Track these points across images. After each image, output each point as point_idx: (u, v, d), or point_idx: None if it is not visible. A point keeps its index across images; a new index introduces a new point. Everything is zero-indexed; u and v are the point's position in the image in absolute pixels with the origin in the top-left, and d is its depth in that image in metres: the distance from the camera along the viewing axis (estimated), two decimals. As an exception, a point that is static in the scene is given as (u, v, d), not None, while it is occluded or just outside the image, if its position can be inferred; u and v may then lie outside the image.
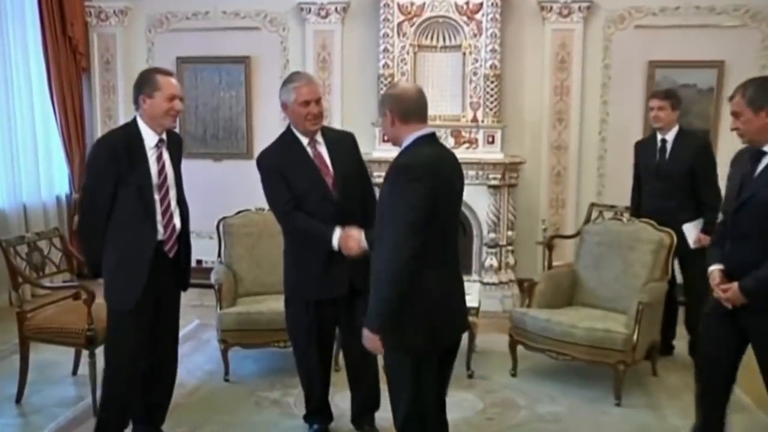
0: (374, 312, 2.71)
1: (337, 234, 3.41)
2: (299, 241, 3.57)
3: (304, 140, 3.58)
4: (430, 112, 6.98)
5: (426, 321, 2.77)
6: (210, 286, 4.83)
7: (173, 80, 3.43)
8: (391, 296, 2.67)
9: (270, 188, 3.58)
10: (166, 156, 3.45)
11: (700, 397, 3.43)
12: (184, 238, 3.60)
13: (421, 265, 2.68)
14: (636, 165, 5.24)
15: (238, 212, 5.19)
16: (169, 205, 3.46)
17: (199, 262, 7.14)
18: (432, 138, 2.90)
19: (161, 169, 3.42)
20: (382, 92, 2.69)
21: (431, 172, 2.73)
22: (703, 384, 3.38)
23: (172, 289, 3.65)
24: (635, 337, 4.29)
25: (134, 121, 3.43)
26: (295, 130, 3.59)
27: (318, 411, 3.89)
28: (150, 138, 3.39)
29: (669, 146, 4.94)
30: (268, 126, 7.10)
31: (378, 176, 6.31)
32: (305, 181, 3.52)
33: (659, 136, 4.99)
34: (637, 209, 5.15)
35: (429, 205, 2.68)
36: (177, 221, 3.52)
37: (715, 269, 3.27)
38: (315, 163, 3.55)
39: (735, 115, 3.19)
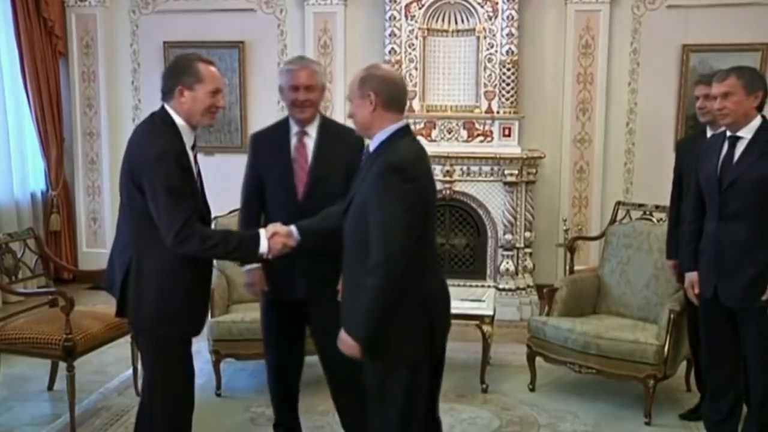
0: (360, 321, 2.67)
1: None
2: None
3: (294, 128, 3.57)
4: (442, 101, 7.05)
5: (426, 328, 2.79)
6: (200, 292, 4.80)
7: (216, 71, 3.19)
8: (381, 306, 2.63)
9: (247, 169, 3.69)
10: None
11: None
12: None
13: (419, 270, 2.69)
14: None
15: (232, 211, 5.16)
16: None
17: (188, 265, 7.16)
18: (408, 130, 2.87)
19: (198, 174, 3.23)
20: (363, 71, 2.68)
21: (420, 170, 2.73)
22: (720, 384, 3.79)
23: None
24: (666, 348, 4.25)
25: (167, 114, 3.12)
26: (291, 116, 3.59)
27: (279, 424, 3.89)
28: (187, 137, 3.11)
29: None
30: (264, 117, 7.05)
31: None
32: (274, 171, 3.54)
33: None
34: None
35: (423, 206, 2.69)
36: None
37: (693, 276, 3.76)
38: (291, 156, 3.53)
39: (725, 95, 3.51)
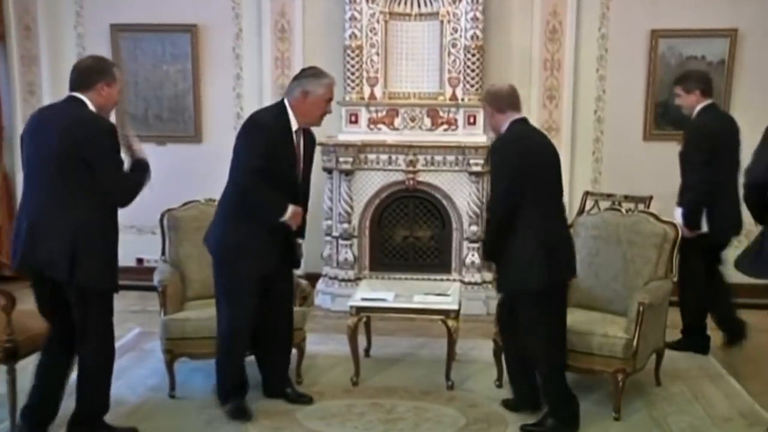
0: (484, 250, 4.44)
1: (290, 209, 4.19)
2: (251, 209, 4.21)
3: (294, 126, 4.24)
4: (405, 88, 7.05)
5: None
6: (153, 289, 4.78)
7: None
8: (494, 240, 4.08)
9: (254, 149, 4.13)
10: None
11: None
12: None
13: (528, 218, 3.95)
14: None
15: (186, 203, 5.14)
16: None
17: (140, 261, 7.11)
18: (519, 121, 4.15)
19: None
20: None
21: (520, 148, 4.02)
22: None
23: None
24: (635, 342, 4.32)
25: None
26: (291, 113, 4.23)
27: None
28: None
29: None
30: (219, 105, 7.06)
31: (344, 162, 6.31)
32: (285, 164, 4.22)
33: None
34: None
35: (527, 170, 3.94)
36: None
37: None
38: (296, 150, 4.28)
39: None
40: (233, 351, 4.40)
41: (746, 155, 3.93)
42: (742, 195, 3.92)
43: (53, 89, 7.12)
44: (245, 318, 4.31)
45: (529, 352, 4.17)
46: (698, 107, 5.26)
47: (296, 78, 4.30)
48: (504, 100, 4.13)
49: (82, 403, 3.95)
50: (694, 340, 5.38)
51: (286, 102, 4.25)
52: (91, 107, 3.77)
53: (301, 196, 4.36)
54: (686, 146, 5.24)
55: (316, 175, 6.59)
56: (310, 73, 4.29)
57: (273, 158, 4.12)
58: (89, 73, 3.81)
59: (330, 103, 4.30)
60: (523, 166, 3.93)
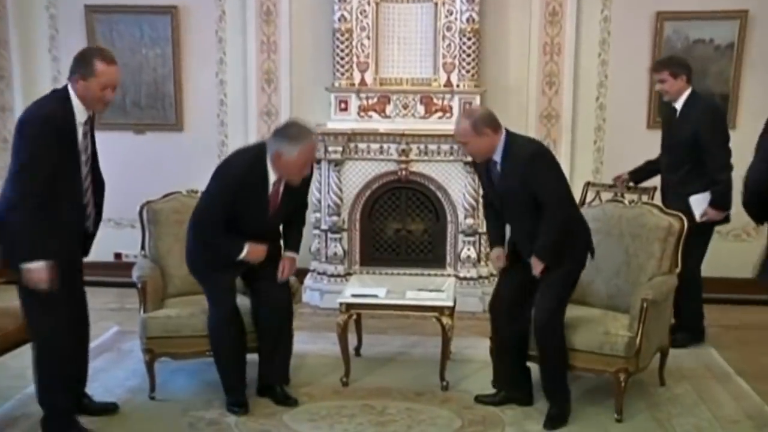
0: (547, 250, 4.24)
1: (246, 249, 4.36)
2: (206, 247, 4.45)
3: (273, 176, 4.34)
4: (397, 74, 7.02)
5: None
6: (132, 285, 4.77)
7: (113, 69, 3.97)
8: (559, 239, 4.24)
9: (217, 198, 4.33)
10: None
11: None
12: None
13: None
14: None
15: (166, 195, 5.13)
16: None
17: (118, 256, 7.11)
18: (509, 132, 4.33)
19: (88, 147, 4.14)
20: (468, 119, 4.27)
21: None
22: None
23: None
24: (639, 340, 4.34)
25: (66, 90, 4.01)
26: (269, 165, 4.30)
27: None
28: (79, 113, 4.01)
29: (677, 114, 5.40)
30: (201, 91, 7.05)
31: (333, 151, 6.31)
32: (251, 213, 4.34)
33: (671, 103, 5.45)
34: (639, 175, 5.85)
35: None
36: None
37: None
38: (268, 200, 4.38)
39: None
40: (216, 349, 4.48)
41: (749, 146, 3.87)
42: (742, 199, 3.84)
43: (24, 74, 7.11)
44: (223, 318, 4.43)
45: (540, 337, 4.33)
46: (685, 94, 5.36)
47: (276, 133, 4.35)
48: (494, 118, 4.27)
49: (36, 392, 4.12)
50: (688, 329, 5.51)
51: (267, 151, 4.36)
52: (73, 96, 3.91)
53: (272, 233, 4.55)
54: (705, 128, 5.25)
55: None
56: (288, 133, 4.29)
57: (241, 205, 4.29)
58: (73, 62, 3.94)
59: (306, 167, 4.34)
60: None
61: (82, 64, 3.90)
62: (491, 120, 4.24)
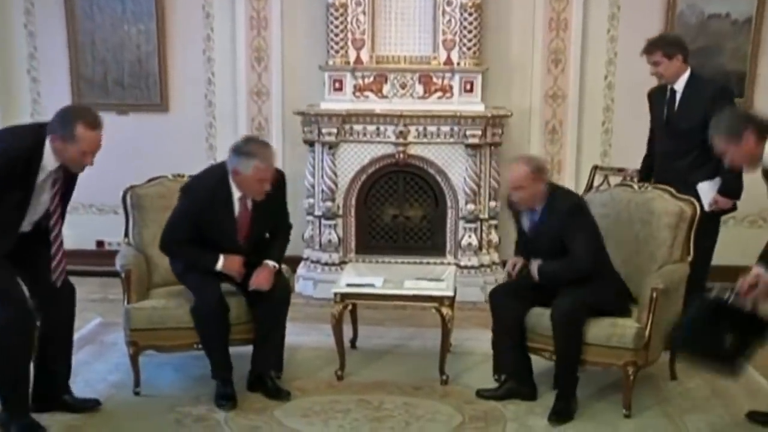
0: (548, 275, 4.46)
1: (221, 262, 4.49)
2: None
3: (237, 193, 4.49)
4: (394, 51, 7.03)
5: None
6: (115, 275, 4.78)
7: (96, 135, 4.00)
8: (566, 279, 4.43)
9: (178, 219, 4.51)
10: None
11: None
12: None
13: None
14: (652, 119, 5.53)
15: (151, 180, 5.12)
16: None
17: (100, 243, 7.10)
18: (552, 184, 4.66)
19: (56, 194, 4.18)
20: (529, 165, 4.47)
21: None
22: None
23: None
24: (648, 331, 4.35)
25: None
26: (231, 182, 4.46)
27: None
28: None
29: (678, 96, 5.28)
30: (188, 70, 7.02)
31: (327, 133, 6.30)
32: (218, 233, 4.50)
33: (669, 86, 5.31)
34: (647, 173, 5.51)
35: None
36: None
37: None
38: (236, 220, 4.53)
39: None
40: (202, 337, 4.51)
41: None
42: None
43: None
44: (206, 305, 4.45)
45: (559, 325, 4.38)
46: (685, 75, 5.25)
47: (232, 149, 4.48)
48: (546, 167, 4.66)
49: None
50: None
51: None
52: (48, 149, 3.94)
53: (252, 252, 4.60)
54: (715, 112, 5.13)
55: (298, 148, 6.65)
56: (243, 150, 4.43)
57: (209, 223, 4.47)
58: (54, 118, 4.00)
59: (263, 184, 4.42)
60: None
61: (62, 125, 3.93)
62: (545, 169, 4.54)
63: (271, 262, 4.61)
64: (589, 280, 4.37)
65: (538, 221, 4.52)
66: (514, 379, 4.60)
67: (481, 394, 4.62)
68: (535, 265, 4.48)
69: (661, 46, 5.26)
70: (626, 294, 4.61)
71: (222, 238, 4.52)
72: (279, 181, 4.62)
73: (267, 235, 4.75)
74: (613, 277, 4.59)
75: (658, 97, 5.47)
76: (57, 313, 4.26)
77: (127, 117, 7.06)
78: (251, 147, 4.46)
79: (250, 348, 4.65)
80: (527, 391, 4.58)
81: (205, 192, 4.50)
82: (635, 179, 5.73)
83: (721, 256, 5.39)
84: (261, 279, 4.53)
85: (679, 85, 5.27)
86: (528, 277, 4.58)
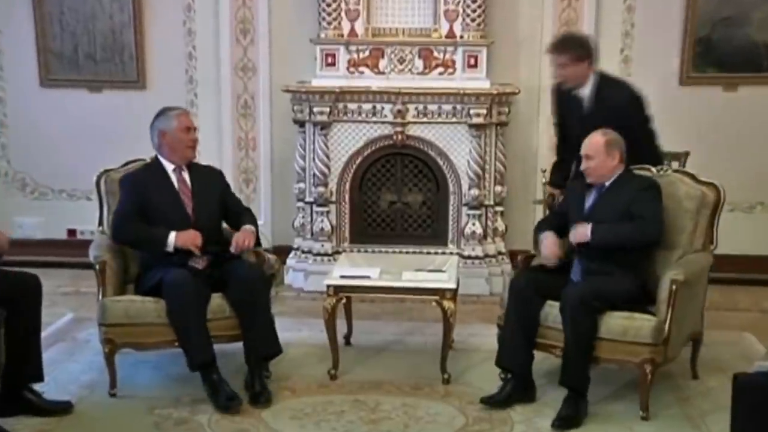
0: (604, 236, 4.51)
1: (171, 237, 4.63)
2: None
3: (170, 167, 4.83)
4: (392, 23, 7.04)
5: None
6: (89, 266, 4.79)
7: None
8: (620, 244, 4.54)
9: (122, 207, 4.77)
10: None
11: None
12: None
13: None
14: (563, 123, 5.43)
15: (127, 163, 5.13)
16: None
17: (72, 232, 7.09)
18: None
19: None
20: (606, 137, 4.55)
21: None
22: None
23: None
24: (667, 326, 4.35)
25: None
26: (161, 159, 4.83)
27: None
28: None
29: (585, 105, 5.13)
30: (167, 43, 7.01)
31: (319, 112, 6.30)
32: (166, 205, 4.75)
33: (572, 92, 5.20)
34: (562, 183, 5.37)
35: None
36: None
37: None
38: (176, 188, 4.82)
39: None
40: (174, 315, 4.51)
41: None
42: None
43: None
44: (176, 278, 4.50)
45: (571, 312, 4.38)
46: (591, 80, 5.11)
47: (151, 124, 4.86)
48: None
49: None
50: None
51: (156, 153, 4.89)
52: None
53: (209, 233, 4.81)
54: (637, 119, 5.09)
55: (287, 128, 6.65)
56: (159, 113, 4.88)
57: (149, 204, 4.72)
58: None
59: (189, 132, 4.84)
60: None
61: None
62: (621, 147, 4.60)
63: (248, 226, 4.84)
64: (614, 272, 4.47)
65: (604, 192, 4.64)
66: (517, 378, 4.59)
67: (485, 401, 4.56)
68: (587, 227, 4.50)
69: (570, 48, 5.12)
70: (649, 292, 4.55)
71: (172, 214, 4.73)
72: (216, 174, 5.08)
73: (224, 225, 4.98)
74: (641, 272, 4.61)
75: (564, 102, 5.32)
76: (20, 307, 4.24)
77: (101, 95, 7.05)
78: (165, 108, 4.92)
79: (237, 346, 4.65)
80: (530, 395, 4.58)
81: (140, 173, 4.88)
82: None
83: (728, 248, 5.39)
84: (241, 237, 4.76)
85: (585, 92, 5.13)
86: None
